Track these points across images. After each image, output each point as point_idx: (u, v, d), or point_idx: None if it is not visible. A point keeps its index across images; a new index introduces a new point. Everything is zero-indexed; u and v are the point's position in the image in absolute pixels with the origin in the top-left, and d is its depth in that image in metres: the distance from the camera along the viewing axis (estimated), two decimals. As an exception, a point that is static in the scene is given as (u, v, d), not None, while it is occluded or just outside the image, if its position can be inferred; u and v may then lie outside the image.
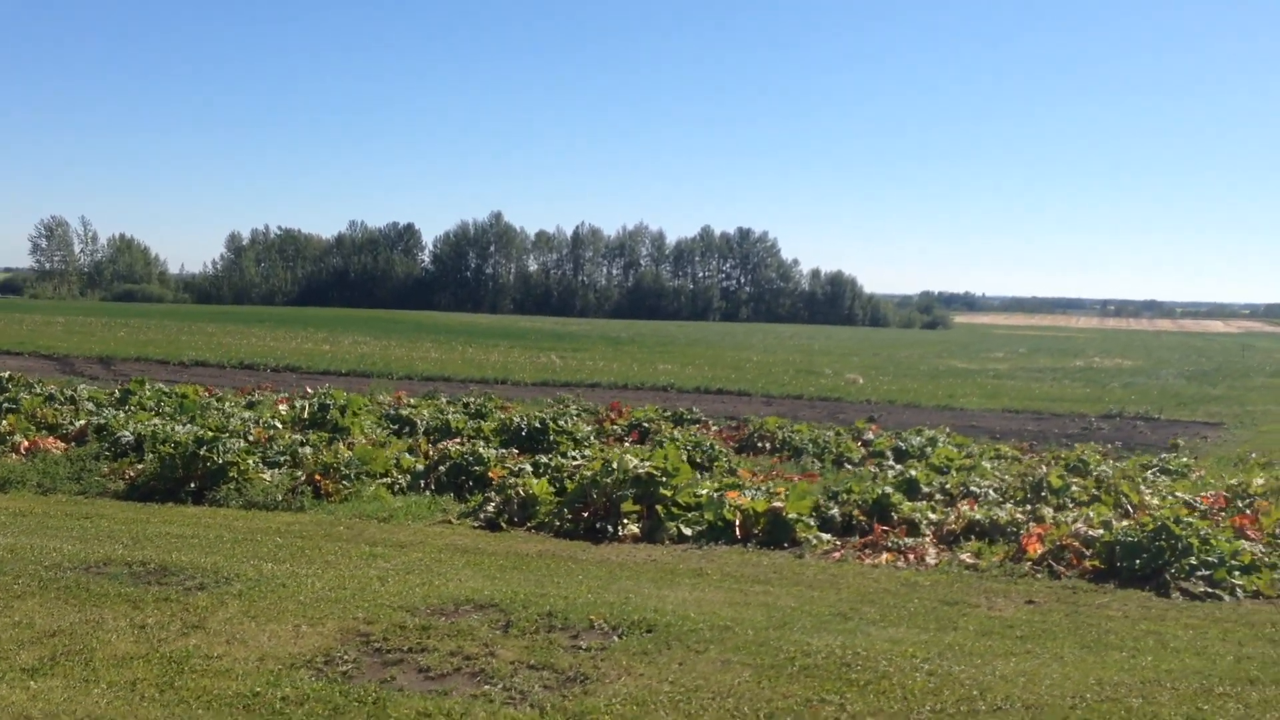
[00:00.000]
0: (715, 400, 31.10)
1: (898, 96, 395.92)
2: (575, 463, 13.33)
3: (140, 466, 13.61)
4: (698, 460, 15.46)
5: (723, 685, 6.68)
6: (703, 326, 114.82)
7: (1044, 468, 14.89)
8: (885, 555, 10.84)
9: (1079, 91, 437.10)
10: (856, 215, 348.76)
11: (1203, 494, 13.84)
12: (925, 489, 13.80)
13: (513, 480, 12.22)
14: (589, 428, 17.65)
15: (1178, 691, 6.80)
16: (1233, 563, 10.38)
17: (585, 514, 11.51)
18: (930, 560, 10.85)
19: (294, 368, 34.85)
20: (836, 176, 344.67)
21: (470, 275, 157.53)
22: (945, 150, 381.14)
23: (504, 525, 11.49)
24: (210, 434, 13.39)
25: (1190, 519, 10.94)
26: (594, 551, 10.61)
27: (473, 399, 21.95)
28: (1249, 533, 11.53)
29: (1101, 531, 10.92)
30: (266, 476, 12.86)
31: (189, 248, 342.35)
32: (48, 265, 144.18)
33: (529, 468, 12.99)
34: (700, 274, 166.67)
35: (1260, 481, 14.67)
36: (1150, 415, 31.44)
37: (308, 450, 13.80)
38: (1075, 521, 11.33)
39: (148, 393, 19.70)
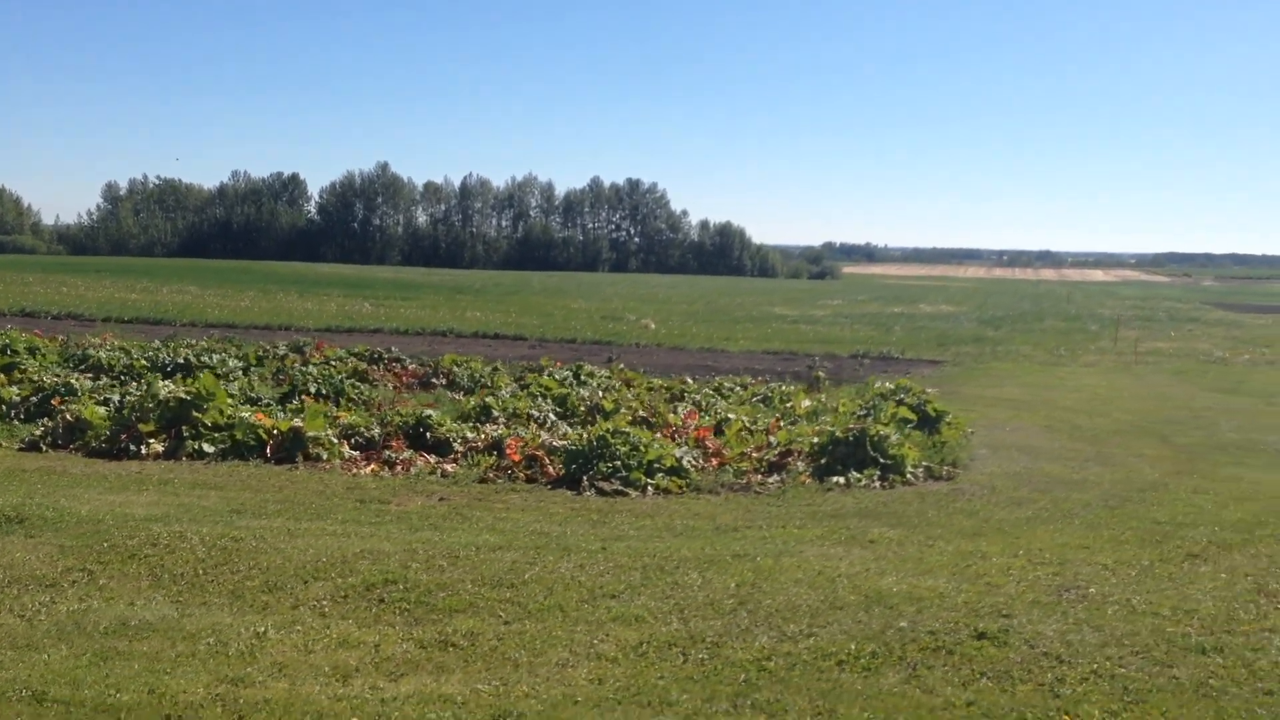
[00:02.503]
0: (485, 344, 32.46)
1: (804, 45, 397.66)
2: (165, 392, 14.54)
3: None
4: (324, 392, 16.83)
5: (18, 560, 8.07)
6: (568, 276, 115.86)
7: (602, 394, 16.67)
8: (372, 466, 12.34)
9: (982, 43, 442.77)
10: (758, 169, 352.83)
11: (737, 416, 15.60)
12: (495, 413, 15.36)
13: (67, 407, 13.49)
14: (238, 363, 18.89)
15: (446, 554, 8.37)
16: (656, 466, 12.06)
17: (124, 436, 12.82)
18: (414, 471, 12.38)
19: (75, 315, 35.48)
20: (734, 128, 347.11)
21: (357, 227, 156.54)
22: (849, 103, 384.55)
23: (44, 447, 12.75)
24: None
25: (630, 430, 12.56)
26: (96, 467, 11.95)
27: (172, 343, 22.75)
28: (708, 443, 13.27)
29: (566, 443, 12.55)
30: None
31: (65, 198, 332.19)
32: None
33: (104, 398, 14.26)
34: (590, 225, 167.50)
35: (807, 404, 16.50)
36: (890, 355, 33.64)
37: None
38: (544, 434, 12.94)
39: None
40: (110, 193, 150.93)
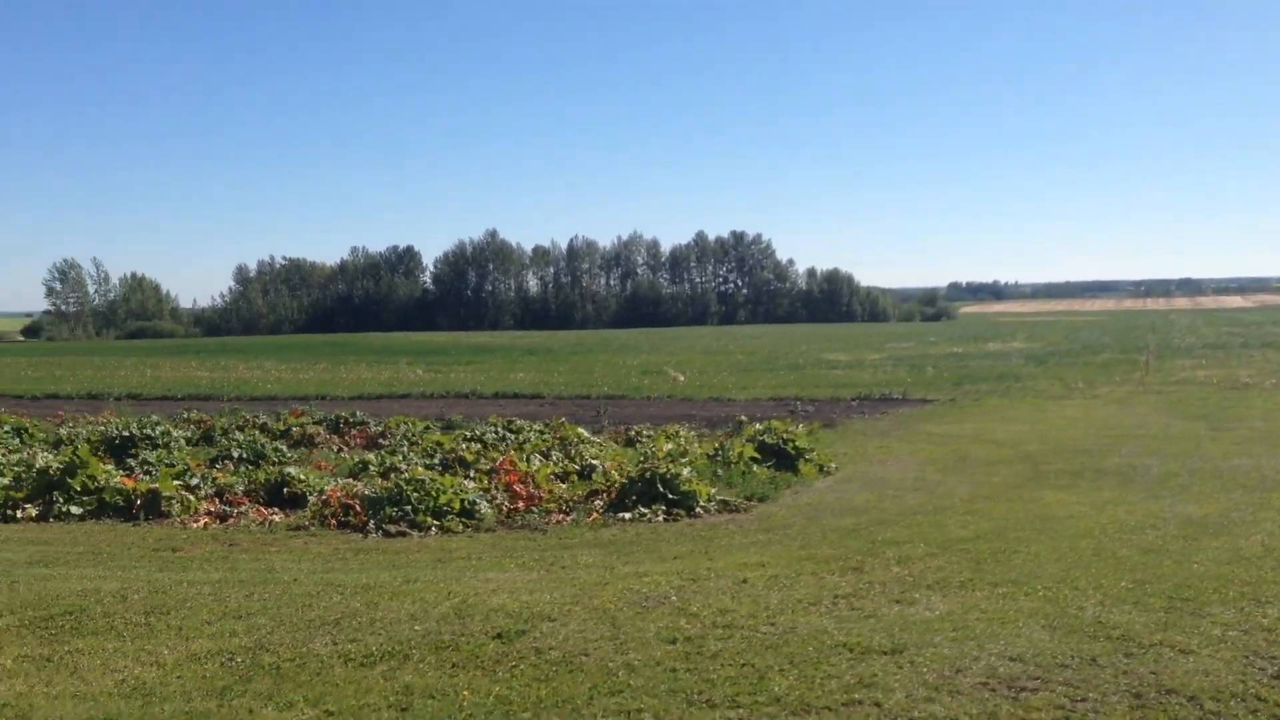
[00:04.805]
0: (496, 403, 34.23)
1: (909, 89, 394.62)
2: (41, 462, 16.31)
3: None
4: (245, 457, 18.75)
5: None
6: (655, 332, 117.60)
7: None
8: (205, 519, 14.09)
9: (1119, 57, 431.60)
10: (871, 211, 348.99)
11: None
12: (372, 468, 17.03)
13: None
14: (182, 434, 20.97)
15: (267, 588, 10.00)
16: (445, 509, 13.51)
17: (30, 503, 14.82)
18: (243, 521, 14.07)
19: (135, 395, 38.64)
20: (841, 173, 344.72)
21: (470, 294, 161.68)
22: (972, 141, 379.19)
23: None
24: None
25: (428, 478, 14.00)
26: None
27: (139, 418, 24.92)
28: (516, 488, 14.63)
29: (375, 490, 14.10)
30: None
31: (199, 282, 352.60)
32: (63, 308, 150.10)
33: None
34: (697, 279, 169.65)
35: (669, 446, 17.73)
36: (890, 396, 34.26)
37: None
38: (359, 485, 14.51)
39: None
40: (241, 274, 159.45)
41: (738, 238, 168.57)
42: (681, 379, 42.94)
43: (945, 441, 22.16)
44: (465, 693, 7.07)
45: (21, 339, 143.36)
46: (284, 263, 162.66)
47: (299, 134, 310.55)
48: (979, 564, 10.80)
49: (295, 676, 7.51)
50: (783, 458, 17.61)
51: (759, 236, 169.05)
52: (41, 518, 14.44)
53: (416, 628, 8.59)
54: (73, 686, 7.41)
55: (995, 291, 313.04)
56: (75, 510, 14.47)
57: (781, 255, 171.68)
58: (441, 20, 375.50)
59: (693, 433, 21.81)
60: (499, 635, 8.29)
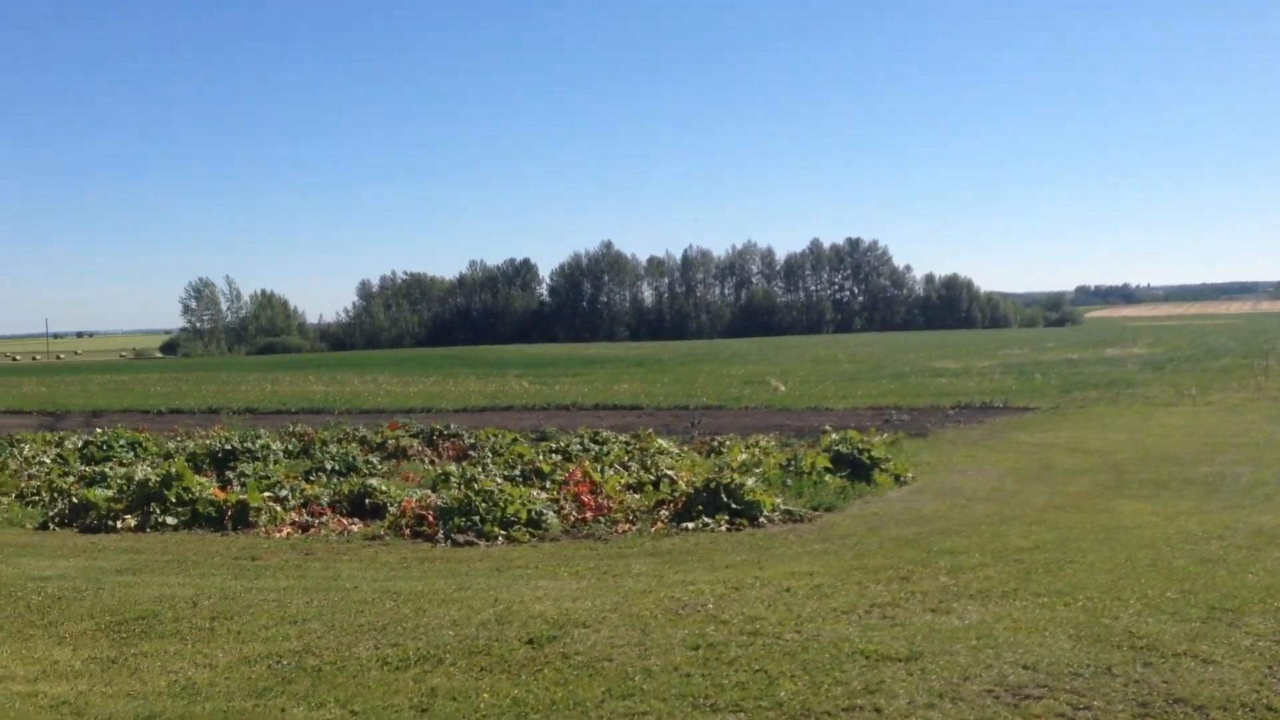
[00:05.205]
0: (593, 414, 34.71)
1: (1036, 88, 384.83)
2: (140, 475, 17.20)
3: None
4: (336, 469, 19.50)
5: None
6: (765, 341, 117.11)
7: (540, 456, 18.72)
8: (287, 529, 14.75)
9: (1253, 68, 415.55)
10: (993, 215, 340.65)
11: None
12: (453, 479, 17.58)
13: (71, 491, 16.61)
14: (282, 447, 21.88)
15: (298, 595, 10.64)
16: (512, 519, 13.93)
17: (129, 514, 15.72)
18: (323, 532, 14.70)
19: (252, 409, 40.16)
20: (962, 178, 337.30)
21: (586, 305, 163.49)
22: (1098, 139, 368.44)
23: (52, 526, 15.77)
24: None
25: (496, 489, 14.44)
26: (70, 539, 14.82)
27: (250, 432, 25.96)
28: (584, 498, 14.99)
29: (446, 500, 14.60)
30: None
31: (325, 298, 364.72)
32: (198, 325, 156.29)
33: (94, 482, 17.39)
34: (812, 287, 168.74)
35: (743, 456, 17.92)
36: (990, 404, 33.76)
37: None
38: (434, 496, 15.03)
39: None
40: (364, 290, 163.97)
41: (853, 244, 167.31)
42: (782, 389, 42.87)
43: (1034, 450, 21.85)
44: (485, 695, 7.41)
45: (160, 355, 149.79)
46: (405, 277, 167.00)
47: (419, 152, 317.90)
48: (1028, 574, 10.76)
49: (332, 678, 7.95)
50: (857, 467, 17.63)
51: (875, 242, 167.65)
52: (139, 528, 15.27)
53: (455, 633, 8.97)
54: (129, 686, 7.96)
55: (1126, 295, 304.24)
56: (170, 521, 15.28)
57: (899, 261, 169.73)
58: (555, 35, 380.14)
59: (773, 443, 21.89)
60: (531, 640, 8.62)
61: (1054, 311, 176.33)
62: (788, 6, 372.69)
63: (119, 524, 15.35)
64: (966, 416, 30.59)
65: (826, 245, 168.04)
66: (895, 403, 35.81)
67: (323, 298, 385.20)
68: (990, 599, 9.76)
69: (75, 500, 16.21)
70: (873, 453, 17.95)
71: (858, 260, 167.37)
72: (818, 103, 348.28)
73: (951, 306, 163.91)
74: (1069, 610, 9.17)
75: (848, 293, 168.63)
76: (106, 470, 18.06)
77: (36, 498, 17.78)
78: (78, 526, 15.69)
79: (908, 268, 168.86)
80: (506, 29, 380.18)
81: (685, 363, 69.18)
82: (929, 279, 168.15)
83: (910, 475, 18.12)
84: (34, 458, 21.93)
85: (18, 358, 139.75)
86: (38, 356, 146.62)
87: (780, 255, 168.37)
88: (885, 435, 22.42)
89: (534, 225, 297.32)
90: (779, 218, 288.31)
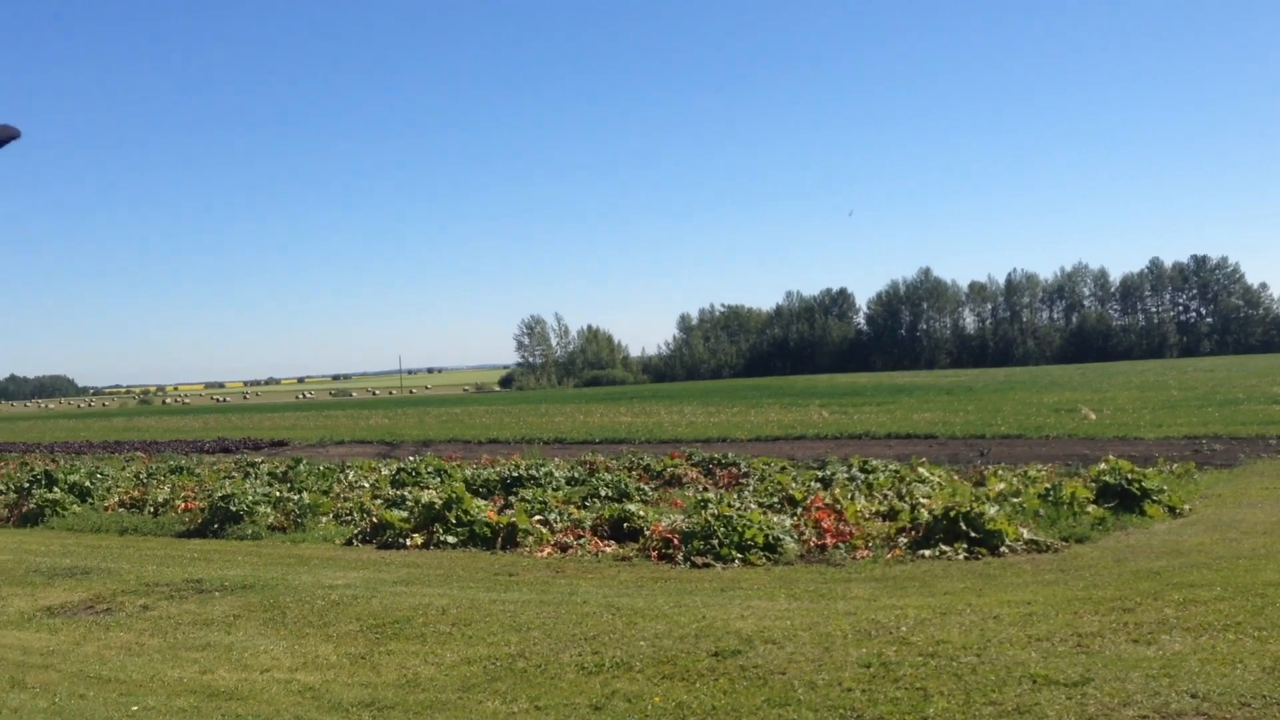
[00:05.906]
0: (879, 444, 34.60)
1: None
2: (426, 498, 18.88)
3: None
4: (609, 495, 20.72)
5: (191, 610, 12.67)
6: (1085, 368, 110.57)
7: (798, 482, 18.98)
8: (548, 550, 15.94)
9: None
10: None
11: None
12: (711, 505, 18.30)
13: (374, 512, 18.53)
14: (563, 474, 23.31)
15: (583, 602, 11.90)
16: (749, 543, 14.50)
17: (416, 533, 17.49)
18: (579, 553, 15.79)
19: (561, 439, 42.60)
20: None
21: (904, 333, 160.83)
22: None
23: (355, 543, 17.71)
24: (232, 491, 20.64)
25: (735, 514, 15.01)
26: (364, 554, 16.63)
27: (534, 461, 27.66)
28: (824, 524, 15.32)
29: (689, 524, 15.35)
30: (269, 515, 19.80)
31: (648, 331, 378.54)
32: (531, 360, 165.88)
33: (393, 505, 19.22)
34: (1152, 309, 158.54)
35: (1001, 486, 17.62)
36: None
37: (275, 497, 20.68)
38: (681, 520, 15.79)
39: (303, 469, 27.52)
40: (683, 322, 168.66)
41: (1199, 262, 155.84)
42: (1093, 417, 40.94)
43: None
44: (656, 699, 8.05)
45: (497, 389, 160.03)
46: (723, 309, 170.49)
47: (736, 183, 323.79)
48: (1263, 609, 10.21)
49: (532, 678, 8.83)
50: (1126, 498, 16.97)
51: (1224, 259, 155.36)
52: (424, 545, 16.93)
53: (651, 644, 9.66)
54: (365, 677, 9.16)
55: None
56: (450, 539, 16.85)
57: (1253, 279, 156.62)
58: (858, 65, 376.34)
59: (1044, 472, 21.24)
60: (717, 653, 9.18)
61: None
62: (1135, 12, 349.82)
63: (408, 542, 17.07)
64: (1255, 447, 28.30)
65: (1168, 264, 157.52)
66: (1216, 431, 33.52)
67: (646, 331, 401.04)
68: (1207, 632, 9.40)
69: (376, 520, 18.14)
70: (1144, 483, 17.20)
71: (1204, 279, 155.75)
72: (1141, 111, 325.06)
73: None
74: (1283, 645, 8.74)
75: (1194, 314, 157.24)
76: (406, 494, 19.97)
77: (349, 518, 19.90)
78: (376, 543, 17.56)
79: (1263, 285, 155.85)
80: (836, 65, 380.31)
81: (998, 390, 67.07)
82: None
83: (1188, 507, 17.23)
84: (355, 482, 24.49)
85: (376, 392, 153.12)
86: (393, 391, 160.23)
87: (1115, 276, 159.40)
88: (1176, 466, 21.27)
89: (851, 253, 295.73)
90: (1110, 236, 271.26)
